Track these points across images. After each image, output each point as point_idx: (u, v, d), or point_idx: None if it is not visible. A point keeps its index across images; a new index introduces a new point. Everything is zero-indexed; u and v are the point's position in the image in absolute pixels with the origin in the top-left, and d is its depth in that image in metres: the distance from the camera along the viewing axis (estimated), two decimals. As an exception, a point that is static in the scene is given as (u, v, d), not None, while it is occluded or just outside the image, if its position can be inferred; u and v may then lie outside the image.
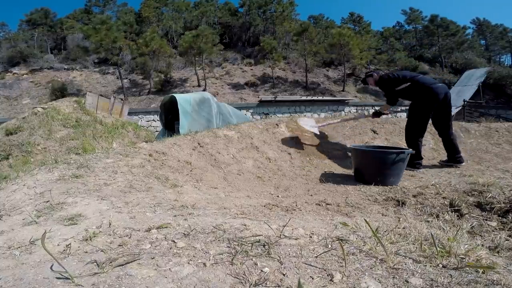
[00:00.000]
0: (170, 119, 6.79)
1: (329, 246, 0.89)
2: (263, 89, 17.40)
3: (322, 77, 19.52)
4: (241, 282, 0.69)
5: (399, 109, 15.71)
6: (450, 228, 1.24)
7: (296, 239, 0.94)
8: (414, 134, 3.25)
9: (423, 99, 3.12)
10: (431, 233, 0.95)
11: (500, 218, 1.58)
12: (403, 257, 0.81)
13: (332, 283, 0.68)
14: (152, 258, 0.80)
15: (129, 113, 10.57)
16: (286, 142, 3.73)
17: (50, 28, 24.03)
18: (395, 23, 29.72)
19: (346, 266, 0.75)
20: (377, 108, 4.02)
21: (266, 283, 0.68)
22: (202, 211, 1.32)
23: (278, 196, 2.16)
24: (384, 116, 4.31)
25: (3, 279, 0.72)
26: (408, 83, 3.20)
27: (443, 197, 1.88)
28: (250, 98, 15.96)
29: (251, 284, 0.68)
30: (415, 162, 3.18)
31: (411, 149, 2.66)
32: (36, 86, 17.03)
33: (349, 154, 3.64)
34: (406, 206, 1.83)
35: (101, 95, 8.82)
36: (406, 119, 3.42)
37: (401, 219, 1.60)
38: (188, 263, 0.77)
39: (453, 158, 3.30)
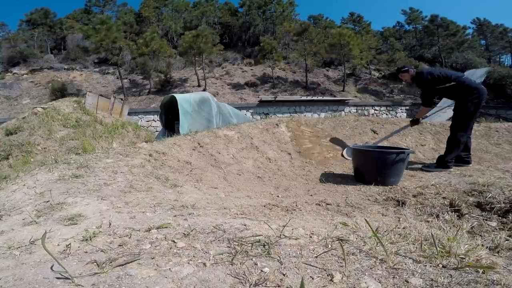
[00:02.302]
0: (170, 119, 6.79)
1: (329, 246, 0.89)
2: (263, 89, 17.39)
3: (322, 77, 19.51)
4: (241, 282, 0.69)
5: (399, 109, 15.71)
6: (450, 228, 1.24)
7: (296, 239, 0.94)
8: (463, 132, 3.20)
9: (471, 99, 3.11)
10: (431, 233, 0.95)
11: (500, 218, 1.58)
12: (403, 257, 0.81)
13: (332, 283, 0.68)
14: (152, 258, 0.80)
15: (129, 113, 10.57)
16: (286, 142, 3.73)
17: (50, 28, 24.00)
18: (395, 23, 29.67)
19: (346, 266, 0.75)
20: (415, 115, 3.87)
21: (266, 283, 0.68)
22: (202, 211, 1.32)
23: (278, 196, 2.16)
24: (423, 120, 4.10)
25: (3, 279, 0.72)
26: (453, 83, 3.16)
27: (443, 197, 1.88)
28: (250, 98, 15.95)
29: (251, 284, 0.68)
30: (449, 161, 3.14)
31: (411, 149, 2.66)
32: (36, 86, 17.02)
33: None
34: (406, 206, 1.83)
35: (101, 95, 8.83)
36: (452, 118, 3.35)
37: (401, 219, 1.60)
38: (188, 263, 0.77)
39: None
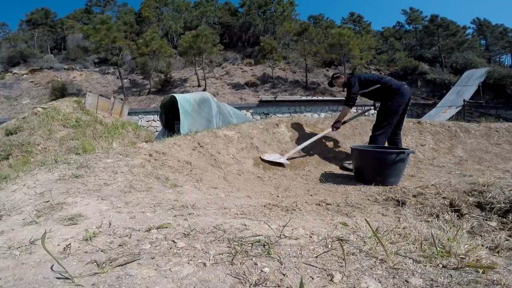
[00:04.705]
0: (170, 119, 6.79)
1: (329, 246, 0.89)
2: (263, 89, 17.40)
3: (322, 77, 19.50)
4: (241, 282, 0.69)
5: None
6: (450, 228, 1.24)
7: (296, 239, 0.94)
8: (381, 132, 3.26)
9: (393, 100, 3.22)
10: (431, 233, 0.95)
11: (500, 218, 1.58)
12: (403, 257, 0.81)
13: (332, 283, 0.68)
14: (152, 258, 0.80)
15: (129, 113, 10.57)
16: (286, 142, 3.73)
17: (50, 28, 23.99)
18: (395, 23, 29.63)
19: (346, 266, 0.75)
20: (335, 118, 3.69)
21: (266, 283, 0.68)
22: (202, 211, 1.32)
23: (278, 196, 2.16)
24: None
25: (3, 279, 0.72)
26: (378, 85, 3.31)
27: (443, 197, 1.88)
28: (250, 98, 15.95)
29: (251, 284, 0.68)
30: None
31: (411, 149, 2.66)
32: (36, 86, 17.02)
33: (350, 154, 3.63)
34: (406, 206, 1.83)
35: (101, 95, 8.83)
36: (375, 119, 3.44)
37: (401, 219, 1.60)
38: (188, 263, 0.77)
39: None
